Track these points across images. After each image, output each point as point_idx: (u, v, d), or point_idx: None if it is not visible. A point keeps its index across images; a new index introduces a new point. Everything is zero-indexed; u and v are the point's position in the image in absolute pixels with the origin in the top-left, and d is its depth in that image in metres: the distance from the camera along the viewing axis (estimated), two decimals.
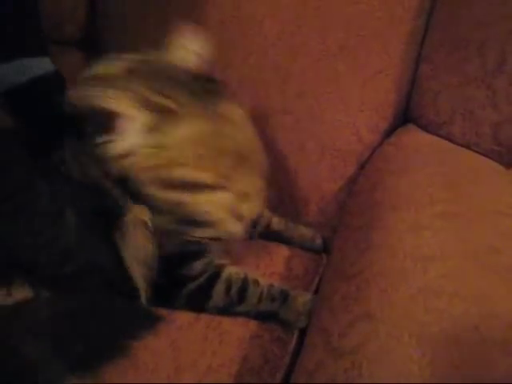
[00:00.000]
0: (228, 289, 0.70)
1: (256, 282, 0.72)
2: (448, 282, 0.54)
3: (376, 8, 0.93)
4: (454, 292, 0.53)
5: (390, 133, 0.99)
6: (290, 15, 0.96)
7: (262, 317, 0.71)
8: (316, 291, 0.80)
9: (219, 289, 0.70)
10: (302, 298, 0.73)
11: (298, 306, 0.72)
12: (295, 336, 0.71)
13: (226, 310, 0.70)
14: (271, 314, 0.71)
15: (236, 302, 0.70)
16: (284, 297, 0.72)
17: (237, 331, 0.69)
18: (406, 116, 1.01)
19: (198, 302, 0.70)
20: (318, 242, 0.94)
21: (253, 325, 0.70)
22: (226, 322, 0.70)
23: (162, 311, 0.69)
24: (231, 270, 0.72)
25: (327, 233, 0.93)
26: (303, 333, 0.70)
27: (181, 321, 0.70)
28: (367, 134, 0.96)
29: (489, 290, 0.54)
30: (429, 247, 0.61)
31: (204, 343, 0.67)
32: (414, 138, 0.93)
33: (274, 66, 0.97)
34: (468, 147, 0.88)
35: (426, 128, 0.94)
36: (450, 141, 0.90)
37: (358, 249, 0.68)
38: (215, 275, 0.71)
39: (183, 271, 0.69)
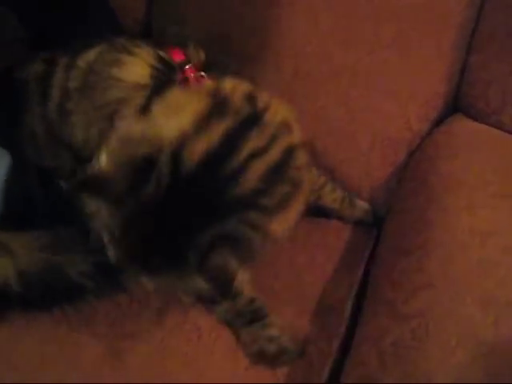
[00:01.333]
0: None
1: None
2: (506, 254, 0.58)
3: (428, 0, 0.96)
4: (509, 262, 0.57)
5: (439, 122, 1.02)
6: (344, 9, 1.00)
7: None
8: (367, 264, 0.83)
9: None
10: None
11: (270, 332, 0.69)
12: (349, 306, 0.74)
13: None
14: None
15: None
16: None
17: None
18: (455, 105, 1.03)
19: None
20: (369, 215, 0.97)
21: (307, 298, 0.74)
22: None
23: None
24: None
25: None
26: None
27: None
28: (417, 123, 0.99)
29: None
30: (485, 223, 0.64)
31: None
32: (463, 126, 0.96)
33: (328, 58, 1.01)
34: None
35: (475, 117, 0.97)
36: (500, 129, 0.93)
37: (415, 227, 0.72)
38: None
39: None
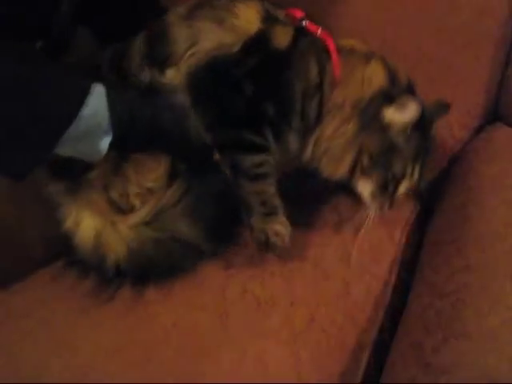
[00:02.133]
0: (259, 164, 0.79)
1: (270, 185, 0.80)
2: None
3: (468, 20, 1.06)
4: None
5: (480, 130, 1.10)
6: (389, 32, 1.10)
7: (244, 206, 0.79)
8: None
9: (255, 157, 0.79)
10: (279, 227, 0.79)
11: (270, 228, 0.78)
12: (393, 276, 0.83)
13: (239, 177, 0.78)
14: (251, 209, 0.79)
15: (249, 176, 0.78)
16: (272, 211, 0.79)
17: (340, 271, 0.81)
18: (495, 114, 1.12)
19: (234, 147, 0.79)
20: None
21: (355, 266, 0.82)
22: (330, 264, 0.82)
23: None
24: (272, 160, 0.81)
25: None
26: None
27: (292, 262, 0.82)
28: (459, 131, 1.08)
29: None
30: None
31: (313, 282, 0.80)
32: (502, 133, 1.05)
33: None
34: None
35: None
36: None
37: (455, 222, 0.83)
38: (264, 148, 0.80)
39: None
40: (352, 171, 0.84)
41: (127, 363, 0.70)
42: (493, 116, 1.13)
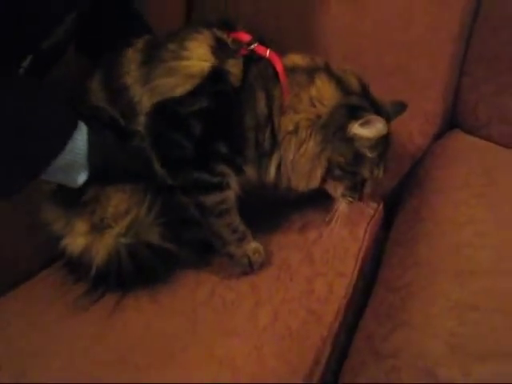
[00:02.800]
0: (221, 201, 0.83)
1: (235, 215, 0.86)
2: (476, 237, 0.73)
3: (424, 34, 1.12)
4: (482, 244, 0.73)
5: (438, 136, 1.17)
6: (351, 44, 1.17)
7: (217, 238, 0.86)
8: None
9: (217, 196, 0.83)
10: (254, 245, 0.87)
11: (247, 249, 0.86)
12: (356, 272, 0.88)
13: (202, 212, 0.83)
14: (224, 240, 0.85)
15: (215, 214, 0.83)
16: (242, 236, 0.86)
17: (304, 271, 0.87)
18: (453, 121, 1.19)
19: (196, 191, 0.83)
20: None
21: (318, 264, 0.87)
22: (295, 264, 0.88)
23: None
24: (231, 195, 0.85)
25: None
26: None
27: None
28: (419, 138, 1.15)
29: (506, 240, 0.72)
30: (464, 216, 0.80)
31: (277, 282, 0.85)
32: (458, 139, 1.12)
33: None
34: (506, 146, 1.06)
35: (468, 131, 1.13)
36: (489, 141, 1.08)
37: (410, 223, 0.90)
38: (222, 186, 0.84)
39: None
40: (323, 181, 0.87)
41: (101, 366, 0.75)
42: (451, 123, 1.19)
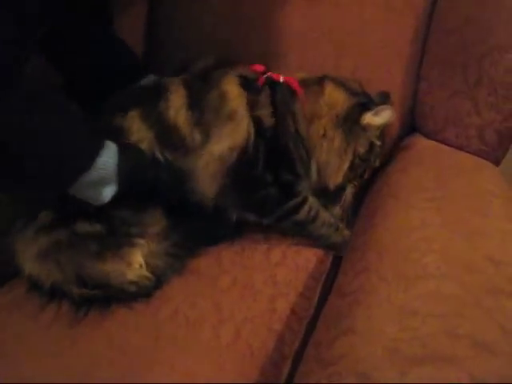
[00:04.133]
0: (309, 210, 0.97)
1: (323, 212, 0.99)
2: (422, 242, 0.74)
3: (379, 40, 1.14)
4: (429, 248, 0.73)
5: (398, 140, 1.18)
6: (308, 50, 1.18)
7: (319, 238, 0.99)
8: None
9: (305, 208, 0.97)
10: (347, 231, 1.00)
11: (345, 235, 1.00)
12: (318, 292, 0.91)
13: (301, 226, 0.98)
14: (325, 236, 0.99)
15: (310, 221, 0.97)
16: (336, 226, 1.00)
17: (267, 291, 0.89)
18: (412, 125, 1.20)
19: (289, 215, 0.96)
20: None
21: (281, 285, 0.91)
22: (259, 285, 0.91)
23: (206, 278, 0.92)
24: (312, 199, 0.99)
25: None
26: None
27: (222, 284, 0.91)
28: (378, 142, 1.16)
29: (452, 244, 0.73)
30: (414, 220, 0.81)
31: (240, 301, 0.87)
32: (416, 143, 1.13)
33: None
34: (461, 149, 1.07)
35: (427, 135, 1.14)
36: (447, 144, 1.09)
37: (364, 229, 0.90)
38: (304, 200, 0.97)
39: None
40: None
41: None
42: (411, 127, 1.21)
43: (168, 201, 0.93)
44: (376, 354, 0.57)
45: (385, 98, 1.06)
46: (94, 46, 1.08)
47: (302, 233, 0.99)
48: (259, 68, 1.01)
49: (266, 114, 0.94)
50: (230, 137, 0.91)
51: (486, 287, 0.65)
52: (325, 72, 1.14)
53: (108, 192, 0.86)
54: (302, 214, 0.96)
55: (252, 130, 0.93)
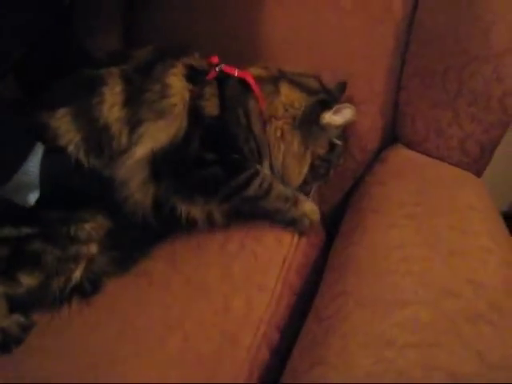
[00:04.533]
0: (261, 183, 0.88)
1: (277, 184, 0.91)
2: (402, 262, 0.72)
3: (359, 49, 1.12)
4: (407, 270, 0.72)
5: (380, 151, 1.17)
6: (287, 59, 1.15)
7: (275, 213, 0.91)
8: None
9: (256, 182, 0.88)
10: (309, 205, 0.93)
11: (305, 209, 0.91)
12: (280, 280, 0.85)
13: (252, 202, 0.89)
14: (282, 211, 0.90)
15: (262, 196, 0.89)
16: (295, 200, 0.91)
17: (222, 288, 0.83)
18: (394, 136, 1.18)
19: (238, 191, 0.88)
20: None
21: (237, 279, 0.84)
22: (213, 282, 0.85)
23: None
24: (266, 172, 0.92)
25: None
26: None
27: (174, 286, 0.86)
28: (359, 153, 1.14)
29: (431, 265, 0.71)
30: (393, 239, 0.79)
31: (191, 303, 0.83)
32: (397, 154, 1.11)
33: None
34: (443, 160, 1.06)
35: (408, 145, 1.12)
36: (428, 155, 1.08)
37: (344, 246, 0.88)
38: (256, 173, 0.89)
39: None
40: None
41: None
42: (393, 137, 1.19)
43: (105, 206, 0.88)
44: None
45: (342, 88, 1.05)
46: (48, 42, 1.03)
47: (256, 211, 0.91)
48: (214, 60, 0.97)
49: (208, 104, 0.89)
50: (156, 136, 0.86)
51: (465, 313, 0.63)
52: None
53: (31, 197, 0.83)
54: (252, 189, 0.87)
55: (185, 124, 0.87)
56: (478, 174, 1.05)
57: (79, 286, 0.86)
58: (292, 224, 0.92)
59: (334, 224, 1.08)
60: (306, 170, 0.95)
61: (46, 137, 0.86)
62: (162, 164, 0.86)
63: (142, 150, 0.85)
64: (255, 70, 0.99)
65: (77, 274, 0.86)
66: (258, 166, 0.92)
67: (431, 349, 0.58)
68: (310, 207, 0.92)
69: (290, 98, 0.95)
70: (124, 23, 1.34)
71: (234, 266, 0.86)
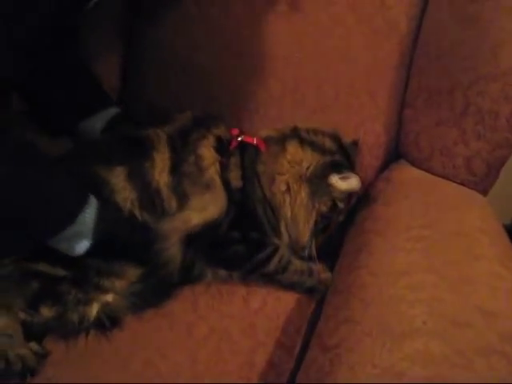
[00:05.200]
0: (280, 259, 0.93)
1: (294, 259, 0.96)
2: (408, 289, 0.70)
3: (363, 65, 1.10)
4: (415, 298, 0.69)
5: (383, 168, 1.15)
6: (290, 75, 1.14)
7: (293, 285, 0.94)
8: None
9: (276, 259, 0.93)
10: (323, 274, 0.96)
11: (319, 278, 0.95)
12: (300, 341, 0.85)
13: (272, 276, 0.93)
14: (299, 283, 0.94)
15: (280, 272, 0.93)
16: (310, 271, 0.95)
17: (245, 342, 0.85)
18: (398, 152, 1.16)
19: (258, 268, 0.93)
20: None
21: (260, 335, 0.86)
22: (237, 334, 0.86)
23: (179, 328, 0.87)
24: (284, 249, 0.96)
25: None
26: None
27: (198, 334, 0.86)
28: (362, 171, 1.12)
29: (439, 293, 0.69)
30: (400, 264, 0.76)
31: (217, 353, 0.83)
32: (401, 172, 1.09)
33: (279, 119, 1.14)
34: (447, 178, 1.03)
35: (412, 163, 1.10)
36: (432, 174, 1.05)
37: (349, 269, 0.86)
38: (275, 250, 0.94)
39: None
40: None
41: None
42: (396, 154, 1.17)
43: (136, 258, 0.91)
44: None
45: (355, 147, 1.07)
46: (56, 72, 1.07)
47: (273, 283, 0.95)
48: (235, 132, 1.02)
49: (234, 176, 0.95)
50: (210, 207, 0.92)
51: (477, 345, 0.60)
52: (305, 100, 1.11)
53: (81, 247, 0.85)
54: (272, 265, 0.93)
55: (226, 198, 0.93)
56: (485, 192, 1.03)
57: (97, 321, 0.86)
58: (308, 292, 0.95)
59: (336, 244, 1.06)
60: (312, 223, 0.96)
61: (105, 190, 0.90)
62: (198, 234, 0.91)
63: (195, 221, 0.90)
64: (266, 132, 1.04)
65: (93, 312, 0.87)
66: (277, 241, 0.97)
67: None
68: (323, 276, 0.96)
69: (296, 156, 0.97)
70: (124, 37, 1.32)
71: (257, 321, 0.89)
